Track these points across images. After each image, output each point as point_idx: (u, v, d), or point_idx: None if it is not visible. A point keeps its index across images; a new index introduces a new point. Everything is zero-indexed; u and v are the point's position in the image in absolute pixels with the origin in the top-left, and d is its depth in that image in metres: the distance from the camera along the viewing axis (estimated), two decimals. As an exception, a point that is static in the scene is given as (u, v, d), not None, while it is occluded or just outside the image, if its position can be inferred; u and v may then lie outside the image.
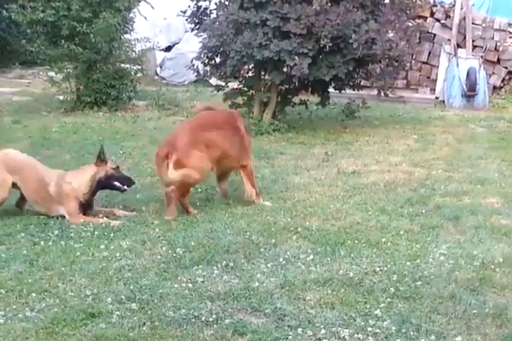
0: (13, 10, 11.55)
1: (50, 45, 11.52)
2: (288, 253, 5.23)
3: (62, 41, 11.20)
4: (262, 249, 5.30)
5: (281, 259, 5.11)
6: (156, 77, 15.27)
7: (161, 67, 15.73)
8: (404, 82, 14.09)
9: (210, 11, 10.59)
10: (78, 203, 6.05)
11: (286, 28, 9.28)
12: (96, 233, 5.64)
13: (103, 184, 6.12)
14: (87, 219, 5.98)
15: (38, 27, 11.50)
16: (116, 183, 6.16)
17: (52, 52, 11.47)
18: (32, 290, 4.56)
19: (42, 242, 5.45)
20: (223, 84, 10.81)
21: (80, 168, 6.34)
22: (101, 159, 6.09)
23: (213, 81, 12.57)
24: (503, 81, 13.81)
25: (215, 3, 10.41)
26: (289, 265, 5.02)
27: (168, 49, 16.37)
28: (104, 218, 6.01)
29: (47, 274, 4.85)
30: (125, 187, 6.21)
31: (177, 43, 16.44)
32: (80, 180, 6.08)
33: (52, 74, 11.87)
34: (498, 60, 13.70)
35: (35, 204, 6.15)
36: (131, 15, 12.44)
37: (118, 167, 6.27)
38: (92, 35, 11.12)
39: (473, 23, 13.55)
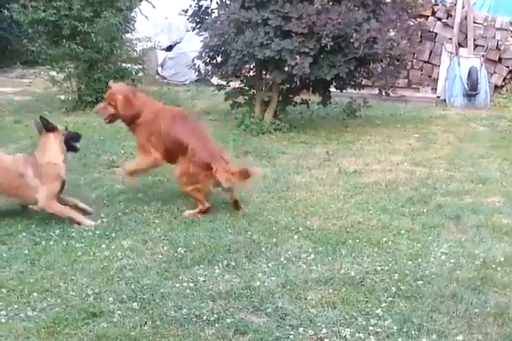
0: (15, 9, 11.55)
1: (51, 45, 11.51)
2: (289, 252, 5.23)
3: (64, 41, 11.19)
4: (263, 249, 5.30)
5: (282, 259, 5.11)
6: (157, 77, 15.23)
7: (162, 67, 15.72)
8: (406, 81, 14.07)
9: (212, 10, 10.59)
10: (60, 183, 5.91)
11: (287, 27, 9.27)
12: (97, 232, 5.63)
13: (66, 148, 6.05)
14: (62, 210, 5.84)
15: (40, 26, 11.48)
16: (74, 144, 6.16)
17: (53, 52, 11.45)
18: (33, 290, 4.57)
19: (43, 242, 5.44)
20: (224, 83, 10.79)
21: (40, 145, 5.99)
22: (51, 128, 5.96)
23: (214, 80, 12.57)
24: (504, 80, 13.78)
25: (217, 3, 10.41)
26: (290, 264, 5.03)
27: (170, 48, 16.36)
28: (77, 215, 5.89)
29: (48, 274, 4.85)
30: (77, 144, 6.23)
31: (178, 43, 16.42)
32: (54, 152, 5.91)
33: (53, 73, 11.86)
34: (500, 59, 13.67)
35: (13, 198, 5.94)
36: (132, 14, 12.44)
37: (66, 127, 6.23)
38: (93, 35, 11.11)
39: (474, 22, 13.54)
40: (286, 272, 4.86)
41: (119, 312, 4.25)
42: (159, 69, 15.66)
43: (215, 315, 4.21)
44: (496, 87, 13.67)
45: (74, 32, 11.19)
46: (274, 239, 5.48)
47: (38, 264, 5.03)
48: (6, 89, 13.54)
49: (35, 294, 4.51)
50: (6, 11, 12.23)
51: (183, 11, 10.83)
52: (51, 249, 5.32)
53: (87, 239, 5.51)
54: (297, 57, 9.26)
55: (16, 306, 4.36)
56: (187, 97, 12.47)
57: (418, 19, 11.67)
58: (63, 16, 11.07)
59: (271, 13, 9.31)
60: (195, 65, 10.77)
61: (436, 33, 13.94)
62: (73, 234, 5.60)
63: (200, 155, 6.05)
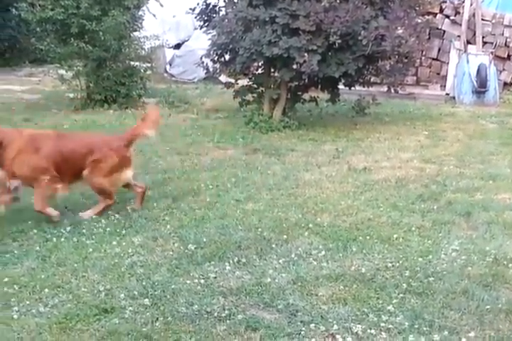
0: (23, 8, 11.54)
1: (59, 43, 11.52)
2: (300, 249, 5.23)
3: (72, 39, 11.21)
4: (273, 245, 5.30)
5: (293, 255, 5.11)
6: (165, 75, 15.25)
7: (170, 65, 15.74)
8: (414, 78, 14.05)
9: (219, 8, 10.59)
10: None
11: (295, 25, 9.26)
12: (108, 229, 5.65)
13: None
14: None
15: (48, 25, 11.49)
16: None
17: (61, 51, 11.46)
18: (45, 286, 4.57)
19: (54, 238, 5.45)
20: (233, 81, 10.80)
21: None
22: None
23: (223, 78, 12.57)
24: (513, 77, 13.76)
25: (224, 1, 10.42)
26: (301, 261, 5.02)
27: (178, 46, 16.37)
28: None
29: (59, 270, 4.85)
30: None
31: (186, 41, 16.44)
32: None
33: (62, 72, 11.88)
34: (509, 56, 13.65)
35: None
36: (140, 13, 12.44)
37: None
38: (101, 33, 11.13)
39: (482, 19, 13.51)
40: (297, 268, 4.86)
41: (130, 308, 4.26)
42: (167, 67, 15.67)
43: (226, 312, 4.21)
44: (505, 84, 13.65)
45: (82, 30, 11.20)
46: (285, 236, 5.48)
47: (49, 261, 5.03)
48: (15, 88, 13.57)
49: (46, 290, 4.51)
50: (14, 10, 12.24)
51: (190, 9, 10.83)
52: (62, 245, 5.32)
53: (97, 236, 5.52)
54: (305, 54, 9.25)
55: (27, 302, 4.36)
56: (195, 95, 12.47)
57: (426, 16, 11.66)
58: (71, 15, 11.07)
59: (278, 10, 9.30)
60: (203, 62, 10.77)
61: (444, 31, 13.91)
62: (84, 231, 5.61)
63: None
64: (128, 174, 6.18)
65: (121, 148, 6.11)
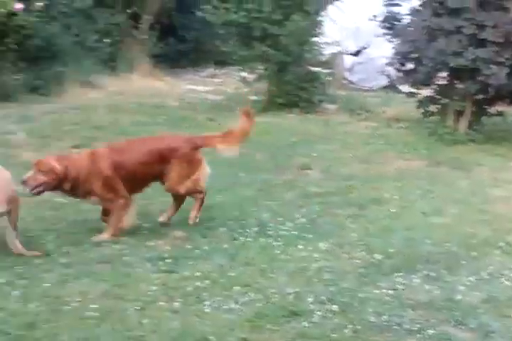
0: (208, 11, 11.93)
1: (242, 46, 11.80)
2: (490, 267, 5.09)
3: (254, 42, 11.45)
4: (463, 262, 5.17)
5: (483, 273, 4.97)
6: (344, 81, 15.21)
7: (349, 72, 15.70)
8: None
9: (403, 16, 10.48)
10: None
11: (482, 36, 9.02)
12: (293, 233, 5.70)
13: None
14: None
15: (231, 28, 11.82)
16: None
17: (244, 53, 11.74)
18: (235, 284, 4.66)
19: (241, 238, 5.57)
20: (415, 90, 10.61)
21: None
22: None
23: (403, 87, 12.37)
24: None
25: (408, 9, 10.30)
26: (493, 280, 4.88)
27: (356, 53, 16.32)
28: None
29: (248, 269, 4.95)
30: None
31: (365, 48, 16.35)
32: None
33: (244, 74, 12.15)
34: None
35: None
36: (320, 18, 12.49)
37: None
38: (283, 37, 11.28)
39: None
40: (489, 288, 4.72)
41: (318, 312, 4.27)
42: (347, 74, 15.65)
43: (417, 325, 4.13)
44: None
45: (264, 34, 11.38)
46: (474, 253, 5.34)
47: (238, 259, 5.13)
48: (199, 88, 14.00)
49: (236, 288, 4.60)
50: (198, 12, 12.66)
51: (373, 16, 10.78)
52: (249, 245, 5.43)
53: (283, 239, 5.57)
54: (493, 66, 8.95)
55: (218, 298, 4.46)
56: (376, 103, 12.30)
57: None
58: (254, 18, 11.28)
59: (464, 20, 9.08)
60: (385, 71, 10.69)
61: None
62: (270, 233, 5.69)
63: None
64: (205, 173, 5.92)
65: (188, 152, 5.81)
